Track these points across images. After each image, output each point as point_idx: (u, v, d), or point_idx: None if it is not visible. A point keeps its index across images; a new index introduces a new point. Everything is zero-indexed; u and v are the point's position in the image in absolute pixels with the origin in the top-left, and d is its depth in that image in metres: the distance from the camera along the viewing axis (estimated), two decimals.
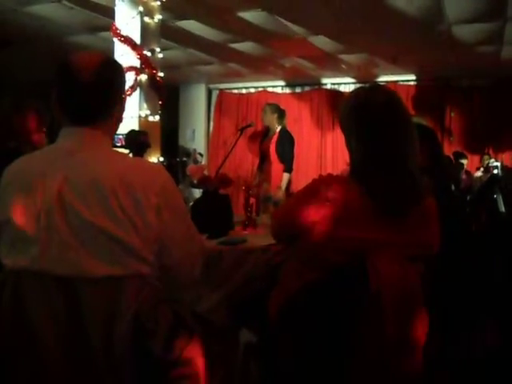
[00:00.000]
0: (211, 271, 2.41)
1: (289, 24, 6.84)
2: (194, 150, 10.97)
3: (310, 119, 10.85)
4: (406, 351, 1.64)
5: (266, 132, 5.82)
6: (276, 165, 5.53)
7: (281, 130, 5.59)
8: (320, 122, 10.78)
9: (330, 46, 7.90)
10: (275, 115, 5.60)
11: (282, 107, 5.87)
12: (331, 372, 1.66)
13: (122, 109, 1.67)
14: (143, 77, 5.49)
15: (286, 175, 5.46)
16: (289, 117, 9.82)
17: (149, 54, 5.51)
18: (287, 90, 11.15)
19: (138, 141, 4.85)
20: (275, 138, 5.57)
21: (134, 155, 4.57)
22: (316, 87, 10.89)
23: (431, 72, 9.47)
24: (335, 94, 10.62)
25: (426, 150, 1.88)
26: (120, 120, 1.68)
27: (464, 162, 8.24)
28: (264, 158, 5.70)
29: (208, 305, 2.32)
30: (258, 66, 9.49)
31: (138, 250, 1.44)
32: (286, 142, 5.54)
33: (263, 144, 5.80)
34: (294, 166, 5.66)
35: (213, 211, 2.96)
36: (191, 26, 7.01)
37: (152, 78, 5.55)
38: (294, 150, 5.65)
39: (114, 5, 5.59)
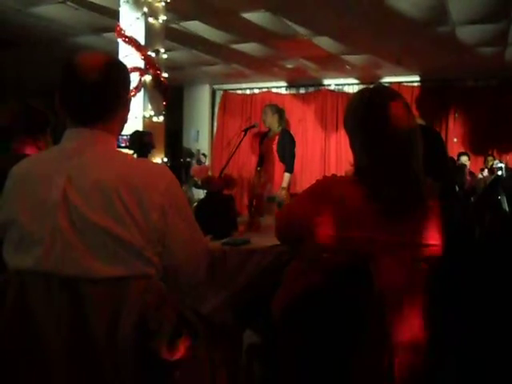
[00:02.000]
0: (215, 272, 2.41)
1: (293, 25, 6.84)
2: (198, 150, 10.98)
3: (314, 120, 10.85)
4: (409, 351, 1.64)
5: (266, 132, 5.83)
6: (278, 165, 5.54)
7: (282, 130, 5.60)
8: (324, 122, 10.77)
9: (334, 47, 7.90)
10: (276, 116, 5.61)
11: (281, 107, 5.88)
12: (334, 372, 1.66)
13: (127, 109, 1.67)
14: (147, 77, 5.49)
15: (287, 175, 5.47)
16: (293, 117, 9.85)
17: (153, 54, 5.51)
18: (291, 91, 11.15)
19: (142, 141, 4.85)
20: (276, 138, 5.58)
21: (138, 156, 4.58)
22: (320, 88, 10.88)
23: (435, 73, 9.45)
24: (339, 95, 10.61)
25: (431, 151, 1.88)
26: (125, 121, 1.69)
27: (463, 158, 8.20)
28: (263, 158, 5.70)
29: (212, 305, 2.32)
30: (262, 67, 9.49)
31: (142, 251, 1.44)
32: (287, 142, 5.55)
33: (263, 144, 5.80)
34: (298, 167, 5.66)
35: (217, 212, 2.97)
36: (195, 26, 7.02)
37: (156, 78, 5.55)
38: (295, 150, 5.66)
39: (119, 6, 5.60)
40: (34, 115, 2.72)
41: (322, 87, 10.85)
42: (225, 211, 3.06)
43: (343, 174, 1.91)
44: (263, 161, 5.64)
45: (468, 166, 8.09)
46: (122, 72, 1.65)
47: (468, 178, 7.84)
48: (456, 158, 7.92)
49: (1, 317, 1.43)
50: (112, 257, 1.41)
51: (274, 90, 11.20)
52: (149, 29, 5.52)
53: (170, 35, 6.36)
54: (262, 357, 2.06)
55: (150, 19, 5.52)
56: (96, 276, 1.40)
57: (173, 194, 1.53)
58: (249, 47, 8.07)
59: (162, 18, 5.66)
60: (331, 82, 10.70)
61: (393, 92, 1.84)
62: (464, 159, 8.21)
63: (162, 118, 5.73)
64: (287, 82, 10.93)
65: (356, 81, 10.40)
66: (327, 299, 1.67)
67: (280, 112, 5.68)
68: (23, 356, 1.41)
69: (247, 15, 6.50)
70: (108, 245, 1.41)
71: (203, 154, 10.87)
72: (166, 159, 5.84)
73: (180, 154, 10.34)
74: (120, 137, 4.50)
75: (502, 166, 6.72)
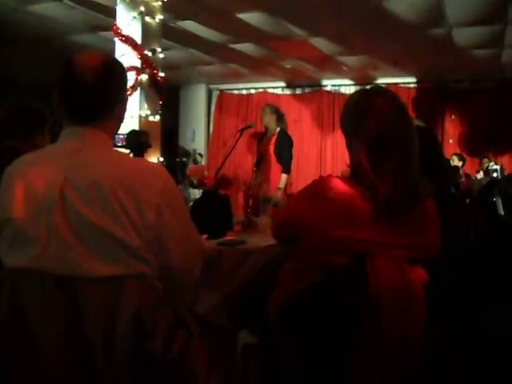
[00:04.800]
0: (211, 272, 2.41)
1: (289, 25, 6.85)
2: (194, 150, 10.97)
3: (311, 120, 10.86)
4: (406, 352, 1.65)
5: (264, 133, 5.84)
6: (275, 166, 5.55)
7: (280, 131, 5.60)
8: (320, 123, 10.78)
9: (331, 48, 7.91)
10: (274, 116, 5.61)
11: (281, 110, 5.88)
12: (330, 373, 1.67)
13: (124, 108, 1.67)
14: (144, 77, 5.50)
15: (284, 176, 5.47)
16: (289, 118, 9.81)
17: (149, 53, 5.52)
18: (287, 92, 11.15)
19: (138, 141, 4.85)
20: (274, 139, 5.59)
21: (134, 155, 4.58)
22: (316, 89, 10.89)
23: (432, 75, 9.47)
24: (336, 96, 10.62)
25: (426, 152, 1.89)
26: (121, 120, 1.69)
27: (453, 158, 8.21)
28: (261, 158, 5.71)
29: (208, 305, 2.32)
30: (259, 67, 9.50)
31: (138, 250, 1.44)
32: (285, 143, 5.55)
33: (261, 145, 5.81)
34: (294, 167, 5.66)
35: (212, 212, 2.97)
36: (192, 26, 7.02)
37: (153, 77, 5.56)
38: (293, 151, 5.66)
39: (116, 4, 5.60)
40: (31, 113, 2.71)
41: (319, 88, 10.86)
42: (220, 211, 3.06)
43: (339, 175, 1.91)
44: (260, 161, 5.65)
45: (459, 167, 8.09)
46: (120, 71, 1.64)
47: (463, 179, 7.86)
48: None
49: None
50: (108, 256, 1.41)
51: (271, 91, 11.20)
52: (145, 28, 5.53)
53: (167, 34, 6.36)
54: (258, 357, 2.06)
55: (147, 18, 5.52)
56: (92, 275, 1.39)
57: (169, 193, 1.53)
58: (245, 47, 8.08)
59: (159, 17, 5.67)
60: (328, 83, 10.71)
61: (389, 93, 1.85)
62: (453, 158, 8.21)
63: (158, 118, 5.74)
64: (284, 82, 10.93)
65: (353, 82, 10.41)
66: (323, 299, 1.67)
67: (278, 113, 5.68)
68: (18, 355, 1.41)
69: (244, 15, 6.51)
70: (104, 244, 1.41)
71: (199, 154, 10.87)
72: (161, 159, 5.84)
73: (176, 154, 10.33)
74: (116, 136, 4.49)
75: (498, 167, 6.73)
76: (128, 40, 5.42)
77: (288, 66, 9.36)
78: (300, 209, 1.79)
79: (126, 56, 5.36)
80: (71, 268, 1.39)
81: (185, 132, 11.70)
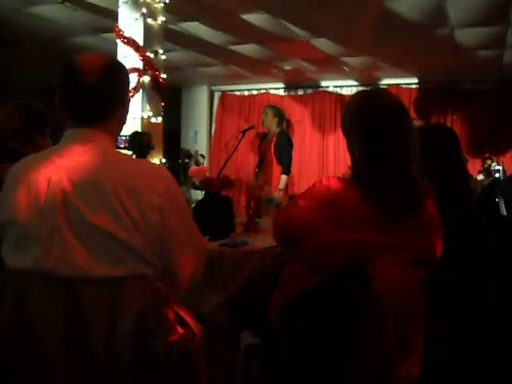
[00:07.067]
0: (213, 273, 2.41)
1: (291, 27, 6.85)
2: (196, 151, 10.97)
3: (312, 122, 10.85)
4: (406, 354, 1.65)
5: (266, 134, 5.84)
6: (276, 167, 5.54)
7: (279, 132, 5.60)
8: (322, 124, 10.77)
9: (333, 49, 7.91)
10: (276, 119, 5.61)
11: (282, 110, 5.88)
12: (332, 374, 1.67)
13: (126, 110, 1.68)
14: (146, 78, 5.51)
15: (283, 177, 5.46)
16: (291, 119, 9.83)
17: (152, 55, 5.53)
18: (289, 93, 11.15)
19: (141, 142, 4.86)
20: (274, 140, 5.58)
21: (137, 157, 4.59)
22: (318, 90, 10.89)
23: (434, 75, 9.46)
24: (337, 97, 10.62)
25: (448, 154, 1.91)
26: (124, 121, 1.69)
27: None
28: (263, 159, 5.71)
29: (210, 306, 2.32)
30: (261, 68, 9.50)
31: (141, 251, 1.45)
32: (284, 144, 5.54)
33: (262, 146, 5.81)
34: (296, 169, 5.66)
35: (214, 213, 2.97)
36: (194, 27, 7.03)
37: (155, 79, 5.56)
38: (292, 152, 5.66)
39: (118, 6, 5.61)
40: (33, 115, 2.71)
41: (321, 89, 10.86)
42: (223, 212, 3.05)
43: (341, 176, 1.91)
44: (262, 162, 5.65)
45: None
46: (122, 73, 1.65)
47: None
48: None
49: (0, 316, 1.43)
50: (110, 257, 1.41)
51: (273, 92, 11.20)
52: (147, 30, 5.53)
53: (169, 36, 6.37)
54: (260, 357, 2.06)
55: (149, 20, 5.53)
56: (94, 276, 1.40)
57: (171, 195, 1.54)
58: (247, 48, 8.08)
59: (161, 18, 5.68)
60: (329, 84, 10.71)
61: (390, 94, 1.85)
62: None
63: (160, 119, 5.74)
64: (285, 83, 10.93)
65: (354, 82, 10.40)
66: (325, 301, 1.67)
67: (280, 115, 5.68)
68: (22, 355, 1.42)
69: (246, 16, 6.51)
70: (106, 245, 1.41)
71: (201, 155, 10.87)
72: (164, 160, 5.85)
73: (178, 155, 10.33)
74: (119, 137, 4.51)
75: (500, 168, 6.72)
76: (130, 42, 5.43)
77: (290, 67, 9.36)
78: (301, 211, 1.79)
79: (128, 58, 5.37)
80: (73, 269, 1.40)
81: (187, 133, 11.71)
